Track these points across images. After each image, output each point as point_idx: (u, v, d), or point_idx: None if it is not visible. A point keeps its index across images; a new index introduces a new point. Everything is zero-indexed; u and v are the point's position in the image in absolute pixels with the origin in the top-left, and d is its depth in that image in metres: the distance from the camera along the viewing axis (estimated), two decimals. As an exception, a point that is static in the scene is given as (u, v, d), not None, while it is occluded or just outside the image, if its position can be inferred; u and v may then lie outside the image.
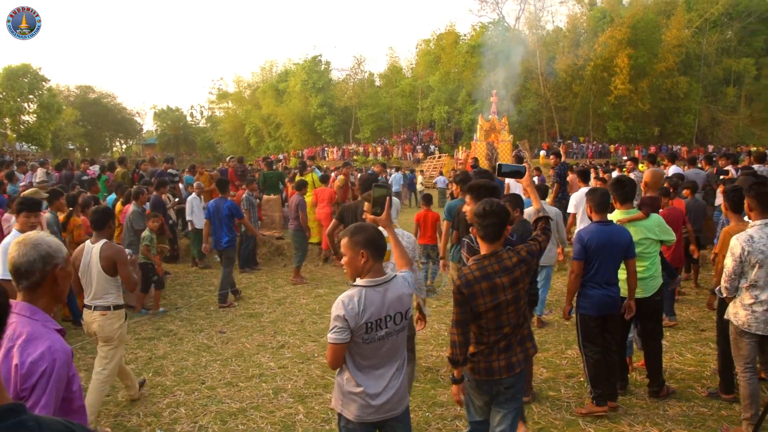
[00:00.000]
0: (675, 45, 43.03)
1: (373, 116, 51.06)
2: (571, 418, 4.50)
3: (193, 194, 10.69)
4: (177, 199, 11.27)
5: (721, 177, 8.77)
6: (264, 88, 58.26)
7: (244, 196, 10.64)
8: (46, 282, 1.98)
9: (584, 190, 7.43)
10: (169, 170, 12.55)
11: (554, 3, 49.18)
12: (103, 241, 4.57)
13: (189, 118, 72.77)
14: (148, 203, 9.27)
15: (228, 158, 17.08)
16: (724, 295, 4.13)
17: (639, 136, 45.08)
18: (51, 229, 6.50)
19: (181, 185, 12.33)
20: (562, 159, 10.61)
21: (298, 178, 11.71)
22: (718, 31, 45.98)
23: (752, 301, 3.94)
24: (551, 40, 46.15)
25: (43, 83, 41.58)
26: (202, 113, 73.75)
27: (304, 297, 8.67)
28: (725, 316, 4.20)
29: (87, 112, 61.76)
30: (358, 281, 2.68)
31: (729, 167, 9.57)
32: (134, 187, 9.21)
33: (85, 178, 11.96)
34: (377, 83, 57.69)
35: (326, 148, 48.62)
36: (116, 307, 4.54)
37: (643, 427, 4.31)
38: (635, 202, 5.28)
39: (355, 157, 44.54)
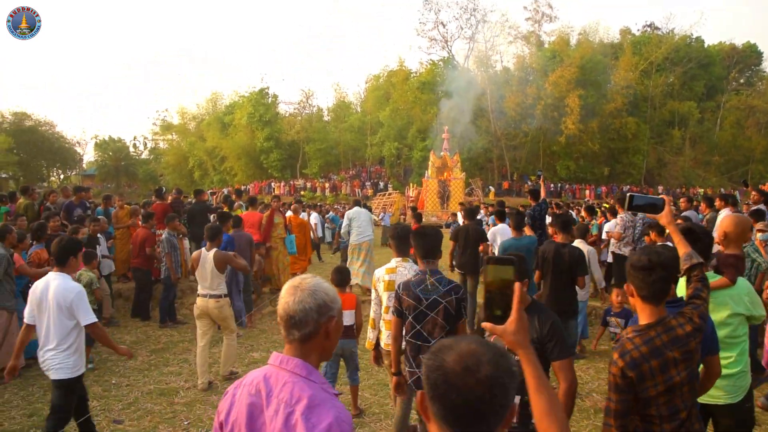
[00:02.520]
0: (623, 86, 43.66)
1: (321, 151, 49.65)
2: None
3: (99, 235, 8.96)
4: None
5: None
6: (209, 120, 56.44)
7: (164, 236, 8.92)
8: (319, 335, 1.78)
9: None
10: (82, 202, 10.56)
11: (503, 42, 49.16)
12: (215, 249, 6.35)
13: (132, 150, 70.20)
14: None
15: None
16: None
17: (589, 176, 45.15)
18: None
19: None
20: (542, 197, 9.15)
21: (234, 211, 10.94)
22: (663, 74, 47.12)
23: None
24: (501, 80, 46.15)
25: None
26: (145, 145, 71.36)
27: (236, 363, 6.87)
28: None
29: (21, 140, 58.42)
30: None
31: (726, 210, 8.47)
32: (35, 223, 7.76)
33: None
34: (326, 118, 56.55)
35: (273, 183, 46.80)
36: (225, 296, 6.39)
37: None
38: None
39: (302, 193, 42.97)
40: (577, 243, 6.93)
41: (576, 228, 7.43)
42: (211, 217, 10.51)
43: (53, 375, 4.18)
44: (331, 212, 22.26)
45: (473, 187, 37.49)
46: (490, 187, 40.90)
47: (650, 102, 46.85)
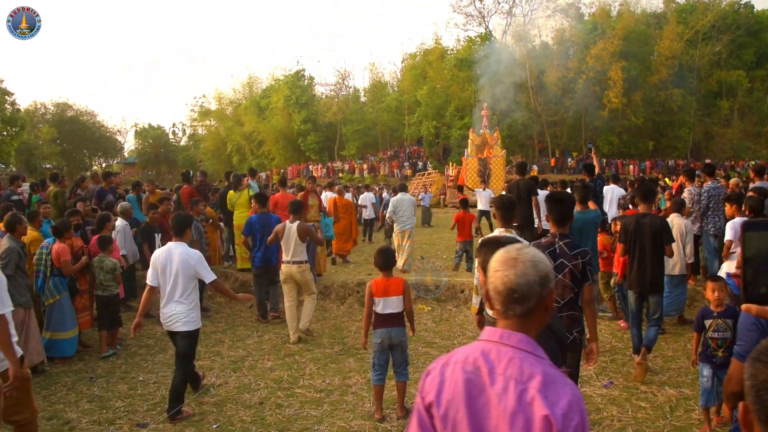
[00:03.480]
0: (668, 57, 42.24)
1: (358, 132, 49.44)
2: None
3: (120, 221, 8.73)
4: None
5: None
6: (246, 104, 56.73)
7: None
8: (539, 309, 1.66)
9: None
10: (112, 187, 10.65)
11: (541, 16, 48.00)
12: (298, 221, 7.19)
13: (171, 136, 71.27)
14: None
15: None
16: None
17: (633, 151, 43.96)
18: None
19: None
20: (596, 172, 8.91)
21: (231, 194, 10.27)
22: (710, 43, 45.42)
23: None
24: (540, 54, 45.10)
25: (6, 97, 39.56)
26: (184, 131, 72.42)
27: (270, 356, 6.78)
28: None
29: (64, 130, 60.04)
30: None
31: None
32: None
33: (15, 197, 10.12)
34: (362, 99, 56.27)
35: (311, 166, 46.93)
36: (306, 262, 7.27)
37: None
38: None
39: (341, 175, 42.99)
40: (674, 217, 6.87)
41: (672, 202, 7.40)
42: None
43: (181, 327, 5.04)
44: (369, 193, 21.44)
45: (514, 164, 36.88)
46: (534, 166, 40.25)
47: (696, 72, 45.19)
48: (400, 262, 10.13)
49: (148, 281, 5.15)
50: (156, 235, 8.79)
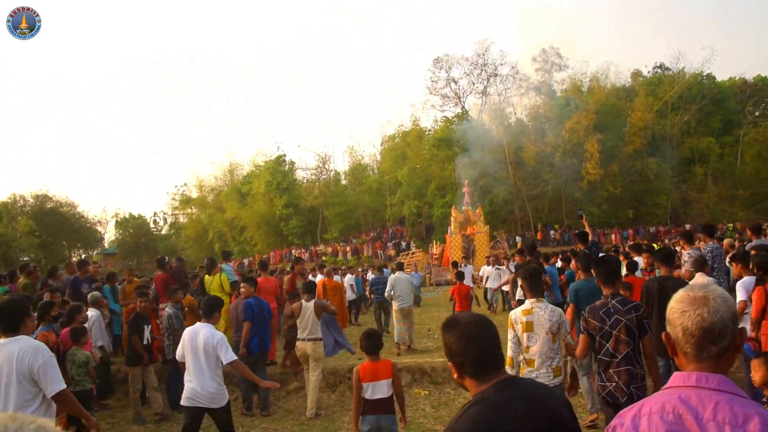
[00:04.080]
0: (640, 127, 43.51)
1: (340, 215, 49.47)
2: None
3: (93, 311, 8.25)
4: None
5: None
6: (227, 191, 56.84)
7: (166, 311, 8.14)
8: (731, 348, 1.60)
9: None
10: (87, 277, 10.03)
11: (516, 94, 49.59)
12: (314, 300, 7.66)
13: (152, 225, 70.84)
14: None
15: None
16: None
17: (614, 220, 44.31)
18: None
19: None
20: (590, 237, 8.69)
21: (207, 278, 9.65)
22: (679, 113, 47.00)
23: None
24: (517, 131, 46.19)
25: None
26: (165, 220, 72.02)
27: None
28: None
29: (43, 222, 59.19)
30: None
31: None
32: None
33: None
34: (343, 181, 56.72)
35: (293, 250, 46.50)
36: (320, 339, 7.62)
37: None
38: None
39: (324, 258, 42.53)
40: (699, 276, 6.45)
41: (694, 261, 7.03)
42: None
43: (220, 403, 5.38)
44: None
45: (498, 240, 36.85)
46: (517, 237, 40.23)
47: (669, 141, 46.45)
48: (406, 337, 10.71)
49: (177, 356, 5.64)
50: (146, 326, 8.10)
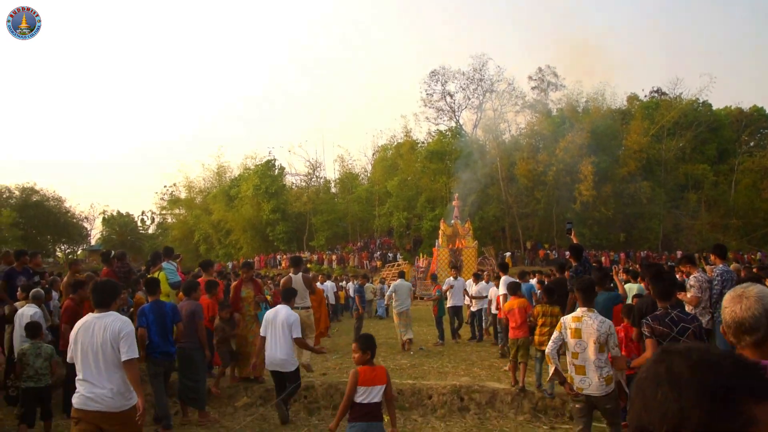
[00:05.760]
0: (635, 150, 43.06)
1: (328, 223, 48.66)
2: None
3: (32, 308, 7.50)
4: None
5: None
6: (215, 193, 55.95)
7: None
8: None
9: None
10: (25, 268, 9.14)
11: (511, 111, 49.20)
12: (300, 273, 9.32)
13: (139, 224, 69.86)
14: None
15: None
16: None
17: (605, 243, 43.73)
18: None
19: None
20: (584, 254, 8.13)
21: (151, 275, 8.84)
22: (674, 138, 46.71)
23: None
24: (510, 148, 45.71)
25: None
26: (153, 219, 71.06)
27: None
28: None
29: (27, 215, 58.10)
30: None
31: None
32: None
33: None
34: (333, 189, 55.99)
35: (278, 256, 45.65)
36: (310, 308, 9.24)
37: None
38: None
39: (309, 265, 41.67)
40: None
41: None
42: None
43: (290, 368, 7.02)
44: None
45: (486, 256, 36.17)
46: (507, 253, 39.58)
47: (663, 166, 46.08)
48: (405, 337, 11.87)
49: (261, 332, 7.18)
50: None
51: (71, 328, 6.70)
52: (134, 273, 9.81)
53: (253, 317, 8.60)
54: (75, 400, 4.30)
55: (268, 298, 12.15)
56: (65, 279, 9.50)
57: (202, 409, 7.24)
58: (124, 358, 4.35)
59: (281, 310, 7.05)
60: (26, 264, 9.24)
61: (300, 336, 7.02)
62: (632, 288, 8.96)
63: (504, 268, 11.34)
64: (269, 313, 7.07)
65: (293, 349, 7.00)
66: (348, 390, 4.48)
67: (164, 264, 8.83)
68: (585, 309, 4.80)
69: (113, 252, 9.48)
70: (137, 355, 4.48)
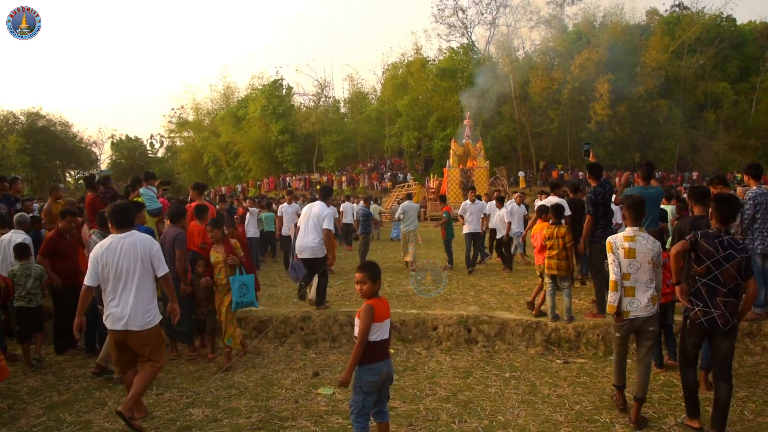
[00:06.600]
0: (653, 68, 41.55)
1: (337, 143, 48.00)
2: None
3: (18, 234, 7.16)
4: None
5: None
6: (222, 114, 55.08)
7: (92, 238, 6.52)
8: None
9: None
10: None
11: (525, 26, 47.33)
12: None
13: (148, 148, 69.45)
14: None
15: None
16: None
17: (619, 163, 43.01)
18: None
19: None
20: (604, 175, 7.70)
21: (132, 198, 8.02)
22: (695, 55, 44.99)
23: None
24: (524, 65, 44.22)
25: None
26: (161, 143, 70.56)
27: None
28: None
29: (34, 140, 57.64)
30: None
31: None
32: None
33: None
34: (342, 109, 54.93)
35: (288, 178, 45.40)
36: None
37: None
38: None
39: (318, 187, 41.46)
40: None
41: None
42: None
43: (320, 254, 7.73)
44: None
45: (498, 176, 35.71)
46: (521, 173, 39.09)
47: (682, 84, 44.63)
48: (408, 258, 12.08)
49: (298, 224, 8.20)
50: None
51: (50, 264, 6.72)
52: (120, 197, 9.17)
53: (225, 286, 6.54)
54: (106, 322, 4.60)
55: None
56: (46, 205, 9.13)
57: (191, 344, 6.86)
58: (160, 273, 4.67)
59: (317, 205, 7.82)
60: (6, 191, 8.89)
61: (331, 228, 7.65)
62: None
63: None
64: (307, 207, 7.99)
65: (321, 239, 7.66)
66: (364, 330, 3.83)
67: (142, 189, 8.02)
68: (636, 228, 4.68)
69: (97, 176, 8.93)
70: (168, 270, 4.78)
